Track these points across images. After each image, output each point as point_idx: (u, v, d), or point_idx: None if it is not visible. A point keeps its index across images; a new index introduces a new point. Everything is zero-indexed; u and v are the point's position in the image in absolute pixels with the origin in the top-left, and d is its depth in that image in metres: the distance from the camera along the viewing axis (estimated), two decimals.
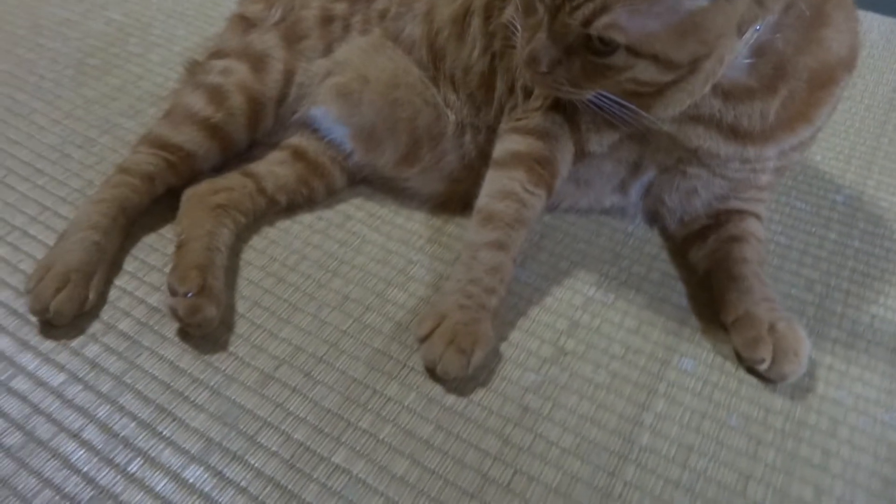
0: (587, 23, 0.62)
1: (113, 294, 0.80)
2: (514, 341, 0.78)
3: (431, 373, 0.72)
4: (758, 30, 0.67)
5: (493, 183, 0.80)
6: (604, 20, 0.61)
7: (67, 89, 1.08)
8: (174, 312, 0.73)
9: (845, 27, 0.73)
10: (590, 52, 0.65)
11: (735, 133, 0.74)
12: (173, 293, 0.74)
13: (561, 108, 0.80)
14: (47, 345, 0.74)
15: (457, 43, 0.87)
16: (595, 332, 0.79)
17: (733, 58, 0.67)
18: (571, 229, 0.91)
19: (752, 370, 0.75)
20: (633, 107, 0.69)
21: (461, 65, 0.87)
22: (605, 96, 0.70)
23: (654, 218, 0.92)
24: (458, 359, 0.70)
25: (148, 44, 1.19)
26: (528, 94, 0.84)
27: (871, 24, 1.39)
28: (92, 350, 0.74)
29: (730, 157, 0.76)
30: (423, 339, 0.72)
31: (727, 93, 0.72)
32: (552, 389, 0.73)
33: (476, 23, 0.85)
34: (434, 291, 0.82)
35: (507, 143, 0.82)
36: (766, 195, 0.87)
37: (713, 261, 0.83)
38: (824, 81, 0.73)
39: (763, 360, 0.73)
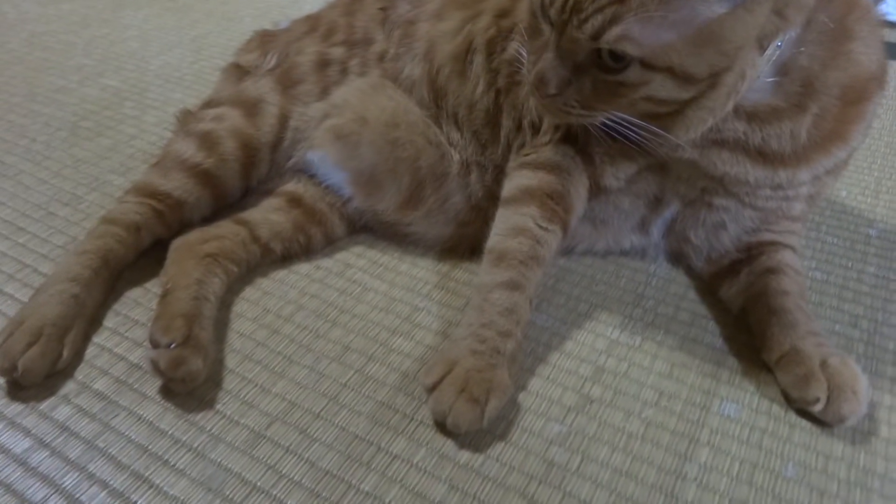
0: (597, 36, 0.57)
1: (91, 351, 0.73)
2: (534, 389, 0.70)
3: (441, 426, 0.64)
4: (779, 46, 0.63)
5: (504, 220, 0.74)
6: (615, 32, 0.56)
7: (58, 150, 1.05)
8: (155, 366, 0.66)
9: (872, 40, 0.69)
10: (601, 69, 0.60)
11: (764, 156, 0.69)
12: (155, 344, 0.67)
13: (572, 140, 0.76)
14: (13, 408, 0.67)
15: (459, 80, 0.83)
16: (623, 378, 0.71)
17: (755, 75, 0.63)
18: (588, 271, 0.85)
19: (803, 412, 0.67)
20: (652, 128, 0.64)
21: (464, 102, 0.83)
22: (621, 119, 0.65)
23: (678, 258, 0.85)
24: (471, 409, 0.62)
25: (143, 106, 1.17)
26: (536, 130, 0.79)
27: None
28: (62, 412, 0.66)
29: (760, 183, 0.70)
30: (432, 389, 0.64)
31: (751, 114, 0.67)
32: (580, 441, 0.65)
33: (479, 59, 0.82)
34: (443, 339, 0.75)
35: (517, 180, 0.77)
36: (799, 227, 0.81)
37: (749, 296, 0.76)
38: (858, 97, 0.68)
39: (818, 400, 0.64)
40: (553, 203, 0.73)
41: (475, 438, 0.64)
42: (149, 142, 1.07)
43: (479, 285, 0.70)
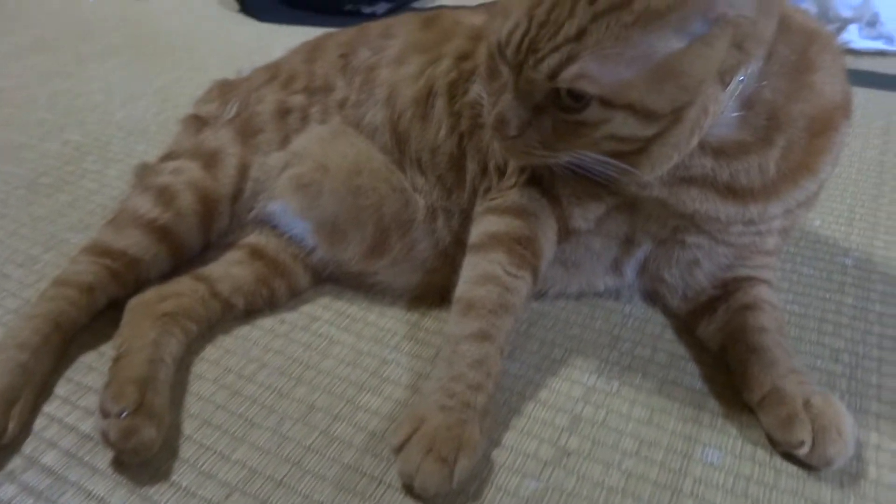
0: (554, 75, 0.56)
1: (39, 422, 0.69)
2: (509, 444, 0.66)
3: (410, 489, 0.60)
4: (742, 80, 0.62)
5: (472, 268, 0.72)
6: (571, 71, 0.55)
7: (15, 208, 1.02)
8: (105, 437, 0.62)
9: (835, 70, 0.68)
10: (561, 108, 0.59)
11: (733, 192, 0.67)
12: (105, 413, 0.63)
13: (538, 182, 0.74)
14: None
15: (421, 125, 0.81)
16: (601, 427, 0.68)
17: (719, 110, 0.61)
18: (562, 314, 0.82)
19: (788, 456, 0.64)
20: (618, 164, 0.62)
21: (427, 147, 0.81)
22: (585, 157, 0.63)
23: (653, 297, 0.83)
24: (439, 470, 0.58)
25: (106, 160, 1.15)
26: (501, 173, 0.77)
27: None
28: (7, 491, 0.62)
29: (731, 219, 0.69)
30: (399, 449, 0.61)
31: (718, 150, 0.65)
32: (557, 498, 0.61)
33: (440, 103, 0.80)
34: (413, 393, 0.72)
35: (484, 225, 0.74)
36: (773, 260, 0.79)
37: (727, 333, 0.73)
38: (824, 127, 0.67)
39: (803, 444, 0.62)
40: (521, 248, 0.71)
41: (445, 501, 0.61)
42: (110, 196, 1.04)
43: (448, 337, 0.67)
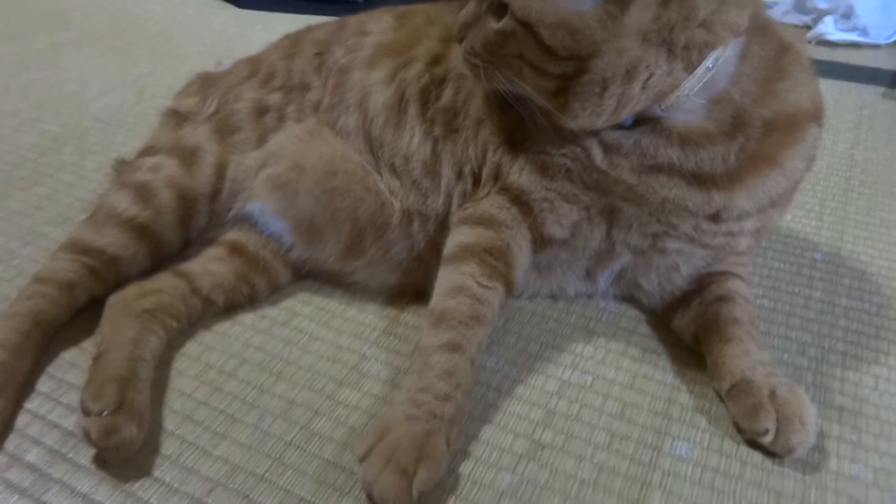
0: None
1: (22, 419, 0.69)
2: (485, 438, 0.68)
3: (371, 499, 0.61)
4: (711, 68, 0.64)
5: (445, 280, 0.73)
6: None
7: None
8: (87, 435, 0.63)
9: (803, 81, 0.71)
10: (493, 15, 0.66)
11: (699, 179, 0.69)
12: (86, 412, 0.64)
13: (508, 192, 0.74)
14: None
15: (394, 131, 0.82)
16: (574, 420, 0.70)
17: (672, 84, 0.64)
18: (539, 308, 0.84)
19: (754, 443, 0.67)
20: (543, 102, 0.67)
21: (401, 153, 0.81)
22: (518, 88, 0.68)
23: (628, 300, 0.85)
24: (397, 482, 0.58)
25: (83, 152, 1.14)
26: (476, 179, 0.78)
27: (821, 88, 1.40)
28: None
29: (699, 208, 0.70)
30: (363, 458, 0.61)
31: (684, 138, 0.68)
32: (531, 491, 0.63)
33: (413, 110, 0.81)
34: (392, 388, 0.73)
35: (457, 237, 0.75)
36: (746, 259, 0.82)
37: (701, 324, 0.76)
38: (784, 125, 0.69)
39: (767, 432, 0.65)
40: (493, 259, 0.72)
41: (428, 495, 0.62)
42: (88, 189, 1.04)
43: (421, 348, 0.68)
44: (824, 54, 1.58)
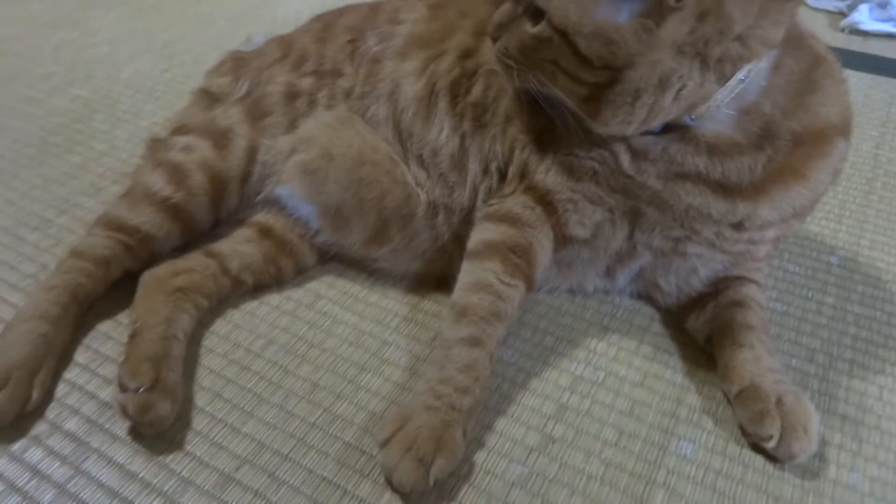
0: None
1: (61, 389, 0.73)
2: (499, 429, 0.71)
3: (389, 483, 0.65)
4: (743, 79, 0.65)
5: (468, 275, 0.75)
6: None
7: (26, 168, 1.04)
8: (124, 410, 0.67)
9: (834, 95, 0.71)
10: (529, 19, 0.66)
11: (724, 188, 0.70)
12: (123, 388, 0.67)
13: (534, 191, 0.76)
14: None
15: (423, 123, 0.83)
16: (585, 416, 0.73)
17: (704, 96, 0.65)
18: (556, 302, 0.86)
19: (757, 447, 0.70)
20: (574, 107, 0.67)
21: (429, 145, 0.83)
22: (550, 90, 0.68)
23: (645, 298, 0.87)
24: (415, 469, 0.62)
25: (114, 119, 1.16)
26: (502, 176, 0.80)
27: (850, 81, 1.37)
28: (34, 455, 0.67)
29: (722, 217, 0.72)
30: (384, 444, 0.65)
31: (712, 147, 0.69)
32: (540, 483, 0.67)
33: (443, 103, 0.82)
34: (410, 375, 0.76)
35: (481, 233, 0.77)
36: (763, 264, 0.84)
37: (714, 327, 0.78)
38: (812, 139, 0.70)
39: (771, 438, 0.67)
40: (516, 257, 0.74)
41: (443, 482, 0.66)
42: (119, 159, 1.06)
43: (442, 340, 0.71)
44: (857, 44, 1.55)
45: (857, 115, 1.25)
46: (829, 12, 1.68)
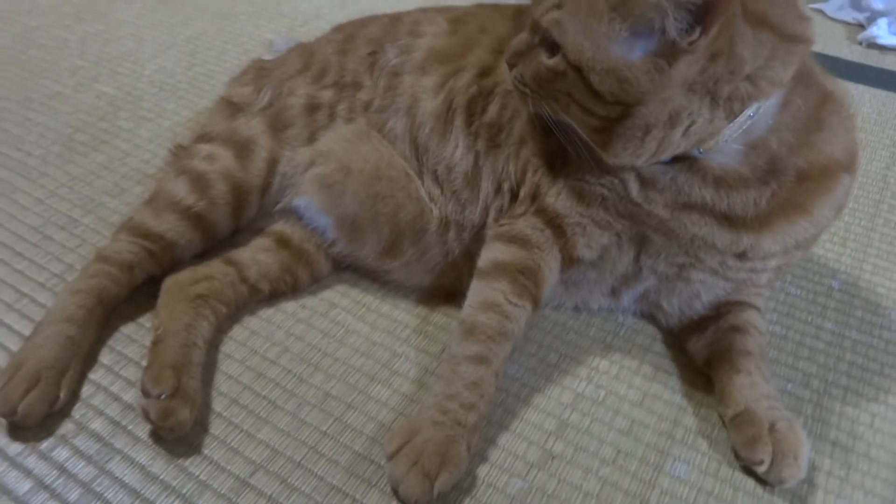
0: (543, 14, 0.66)
1: (86, 390, 0.77)
2: (501, 443, 0.75)
3: (395, 494, 0.68)
4: (751, 116, 0.67)
5: (477, 294, 0.78)
6: (553, 14, 0.65)
7: (53, 166, 1.07)
8: (146, 414, 0.71)
9: (840, 131, 0.73)
10: (545, 50, 0.68)
11: (729, 220, 0.72)
12: (146, 394, 0.71)
13: (544, 214, 0.78)
14: (14, 447, 0.71)
15: (439, 140, 0.86)
16: (585, 434, 0.76)
17: (713, 132, 0.67)
18: (561, 318, 0.89)
19: (748, 470, 0.73)
20: (586, 137, 0.69)
21: (444, 162, 0.85)
22: (563, 118, 0.71)
23: (647, 318, 0.89)
24: (421, 482, 0.66)
25: (137, 118, 1.19)
26: (514, 195, 0.82)
27: (863, 96, 1.39)
28: (61, 454, 0.71)
29: (726, 247, 0.74)
30: (391, 457, 0.68)
31: (719, 179, 0.71)
32: (539, 499, 0.70)
33: (458, 121, 0.85)
34: (419, 387, 0.79)
35: (491, 252, 0.80)
36: (764, 290, 0.86)
37: (713, 351, 0.81)
38: (817, 175, 0.72)
39: (762, 462, 0.70)
40: (524, 279, 0.76)
41: (446, 494, 0.69)
42: (142, 160, 1.09)
43: (450, 356, 0.74)
44: (874, 58, 1.56)
45: (868, 134, 1.28)
46: (847, 24, 1.68)
